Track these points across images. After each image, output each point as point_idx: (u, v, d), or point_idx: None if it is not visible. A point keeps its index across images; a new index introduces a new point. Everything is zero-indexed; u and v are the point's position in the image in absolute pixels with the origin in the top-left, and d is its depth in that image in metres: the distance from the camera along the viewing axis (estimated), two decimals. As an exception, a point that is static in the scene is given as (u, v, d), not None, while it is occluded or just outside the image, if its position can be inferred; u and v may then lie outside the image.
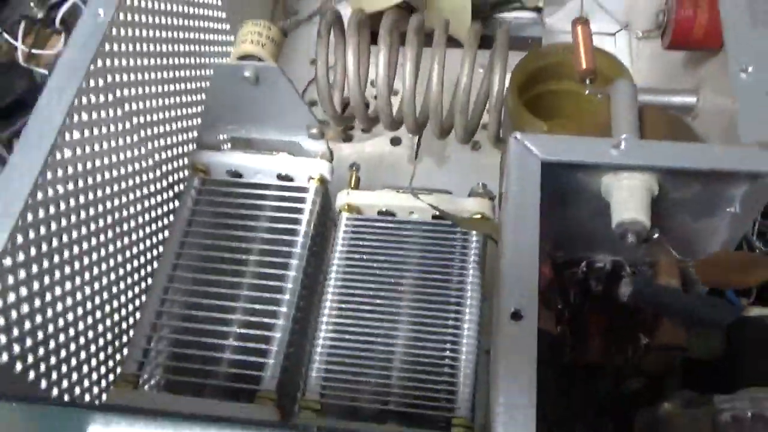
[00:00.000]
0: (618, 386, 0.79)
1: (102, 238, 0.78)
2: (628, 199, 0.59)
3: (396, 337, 0.80)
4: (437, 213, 0.86)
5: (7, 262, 0.63)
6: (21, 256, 0.65)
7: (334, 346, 0.80)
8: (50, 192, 0.68)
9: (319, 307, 0.84)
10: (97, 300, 0.77)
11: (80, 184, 0.73)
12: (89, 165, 0.75)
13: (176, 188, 0.95)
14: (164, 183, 0.92)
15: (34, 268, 0.67)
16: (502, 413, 0.46)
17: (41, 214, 0.67)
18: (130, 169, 0.83)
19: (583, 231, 0.70)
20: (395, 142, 1.19)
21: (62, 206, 0.71)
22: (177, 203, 0.94)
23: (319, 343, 0.80)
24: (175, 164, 0.94)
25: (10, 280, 0.63)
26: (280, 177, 0.92)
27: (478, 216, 0.85)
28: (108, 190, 0.78)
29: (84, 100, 0.73)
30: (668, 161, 0.57)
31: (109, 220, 0.79)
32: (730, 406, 0.55)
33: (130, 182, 0.83)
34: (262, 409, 0.75)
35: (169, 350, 0.82)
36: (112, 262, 0.80)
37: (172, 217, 0.92)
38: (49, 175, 0.68)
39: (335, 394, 0.77)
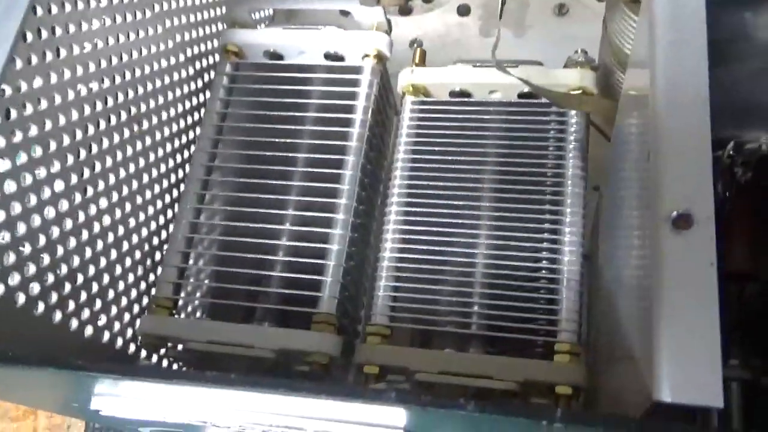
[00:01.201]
0: (762, 299, 0.62)
1: (118, 138, 0.64)
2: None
3: (478, 245, 0.64)
4: (526, 90, 0.68)
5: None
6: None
7: (403, 258, 0.65)
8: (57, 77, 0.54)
9: (382, 212, 0.70)
10: (118, 213, 0.65)
11: (90, 67, 0.59)
12: (99, 45, 0.60)
13: (206, 76, 0.79)
14: (190, 70, 0.76)
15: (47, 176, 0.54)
16: (674, 361, 0.31)
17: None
18: (145, 52, 0.67)
19: (736, 101, 0.52)
20: (463, 11, 0.99)
21: (70, 95, 0.57)
22: (208, 94, 0.78)
23: (386, 256, 0.65)
24: (203, 47, 0.78)
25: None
26: (328, 56, 0.75)
27: (579, 91, 0.67)
28: (120, 78, 0.64)
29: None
30: None
31: (124, 116, 0.65)
32: None
33: (148, 69, 0.68)
34: (321, 337, 0.62)
35: (208, 269, 0.70)
36: (133, 168, 0.67)
37: (203, 112, 0.77)
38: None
39: (407, 316, 0.64)
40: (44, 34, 0.53)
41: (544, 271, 0.63)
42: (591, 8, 0.92)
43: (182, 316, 0.70)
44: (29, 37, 0.52)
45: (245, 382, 0.33)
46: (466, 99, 0.71)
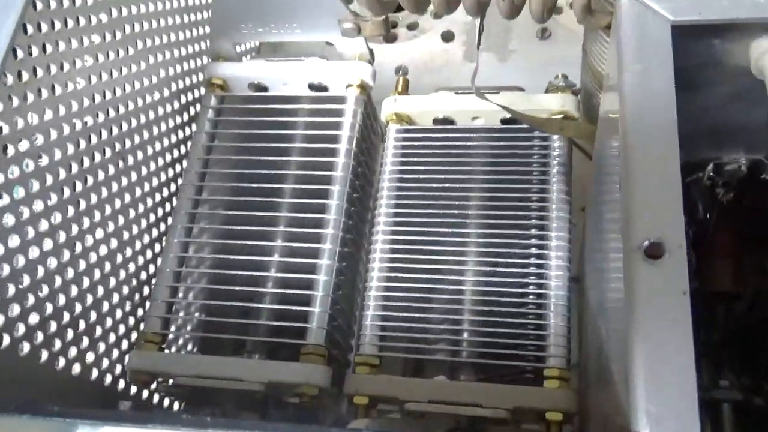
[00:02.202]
0: (749, 316, 0.62)
1: (102, 175, 0.64)
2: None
3: (465, 272, 0.65)
4: (508, 115, 0.68)
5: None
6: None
7: (391, 288, 0.65)
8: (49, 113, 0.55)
9: (369, 241, 0.70)
10: (104, 250, 0.65)
11: (73, 106, 0.59)
12: (81, 85, 0.60)
13: (191, 109, 0.80)
14: (176, 104, 0.77)
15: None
16: (647, 385, 0.31)
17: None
18: (129, 89, 0.68)
19: (712, 123, 0.53)
20: (447, 37, 1.00)
21: (53, 134, 0.57)
22: (193, 127, 0.79)
23: (372, 285, 0.65)
24: (187, 81, 0.79)
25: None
26: (312, 87, 0.76)
27: (560, 115, 0.68)
28: (104, 115, 0.64)
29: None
30: None
31: (109, 152, 0.65)
32: None
33: (132, 105, 0.69)
34: (310, 368, 0.61)
35: (197, 303, 0.70)
36: (118, 203, 0.67)
37: (189, 145, 0.78)
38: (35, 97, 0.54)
39: (396, 345, 0.64)
40: (25, 76, 0.54)
41: (531, 297, 0.63)
42: (573, 31, 0.93)
43: (172, 350, 0.70)
44: (9, 79, 0.52)
45: (217, 425, 0.33)
46: (449, 126, 0.72)
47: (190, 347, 0.74)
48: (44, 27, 0.56)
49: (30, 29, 0.54)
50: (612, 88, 0.48)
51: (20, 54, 0.53)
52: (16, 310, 0.53)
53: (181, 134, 0.78)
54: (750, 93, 0.47)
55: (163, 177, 0.75)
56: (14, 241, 0.53)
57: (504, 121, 0.70)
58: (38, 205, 0.56)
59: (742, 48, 0.44)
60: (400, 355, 0.63)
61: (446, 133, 0.71)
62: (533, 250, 0.64)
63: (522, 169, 0.67)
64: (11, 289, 0.53)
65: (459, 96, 0.72)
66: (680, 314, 0.33)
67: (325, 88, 0.76)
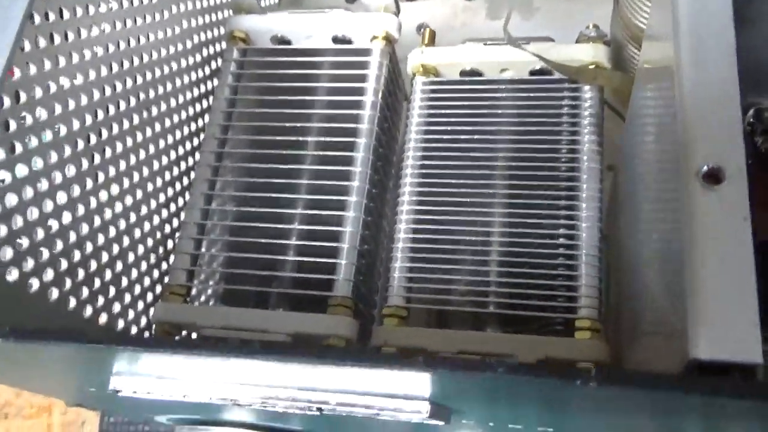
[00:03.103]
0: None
1: (127, 124, 0.63)
2: None
3: (493, 224, 0.64)
4: (539, 66, 0.67)
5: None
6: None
7: (418, 239, 0.64)
8: (66, 62, 0.54)
9: (395, 195, 0.69)
10: (129, 200, 0.64)
11: (98, 53, 0.58)
12: (106, 30, 0.59)
13: (213, 63, 0.78)
14: (198, 57, 0.76)
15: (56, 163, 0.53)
16: (711, 318, 0.30)
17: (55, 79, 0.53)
18: (152, 38, 0.67)
19: (756, 65, 0.51)
20: (470, -7, 0.98)
21: (79, 79, 0.56)
22: (215, 81, 0.78)
23: (400, 237, 0.65)
24: (209, 34, 0.78)
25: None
26: (336, 39, 0.74)
27: (593, 66, 0.66)
28: (128, 64, 0.63)
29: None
30: None
31: (133, 102, 0.64)
32: None
33: (155, 55, 0.67)
34: (337, 320, 0.61)
35: (221, 256, 0.69)
36: (143, 155, 0.66)
37: (211, 99, 0.77)
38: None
39: (423, 297, 0.63)
40: (51, 16, 0.53)
41: (561, 248, 0.62)
42: (600, -13, 0.91)
43: (196, 303, 0.70)
44: (37, 19, 0.51)
45: (265, 351, 0.33)
46: (477, 78, 0.70)
47: (214, 300, 0.73)
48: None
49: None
50: (655, 37, 0.47)
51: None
52: (45, 255, 0.53)
53: (203, 88, 0.77)
54: (799, 32, 0.45)
55: (186, 130, 0.74)
56: (43, 185, 0.53)
57: (533, 73, 0.69)
58: (66, 151, 0.55)
59: (794, -19, 0.42)
60: (428, 307, 0.63)
61: (474, 85, 0.69)
62: (563, 201, 0.63)
63: (552, 120, 0.66)
64: (40, 233, 0.52)
65: (487, 47, 0.70)
66: (742, 239, 0.32)
67: (349, 41, 0.74)
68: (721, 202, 0.33)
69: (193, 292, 0.69)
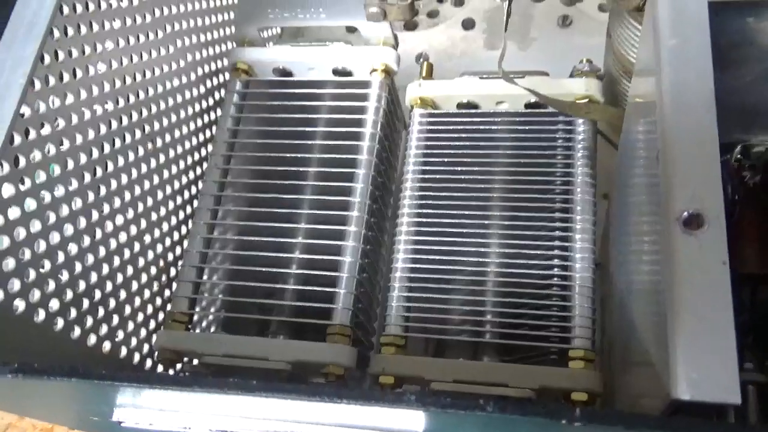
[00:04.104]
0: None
1: (133, 156, 0.65)
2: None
3: (489, 254, 0.65)
4: (532, 100, 0.69)
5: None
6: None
7: (416, 269, 0.66)
8: (74, 98, 0.55)
9: (393, 224, 0.70)
10: (133, 230, 0.65)
11: (105, 88, 0.60)
12: (114, 66, 0.61)
13: (217, 94, 0.80)
14: (202, 89, 0.78)
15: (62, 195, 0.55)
16: (690, 360, 0.31)
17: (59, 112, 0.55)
18: (158, 72, 0.69)
19: (741, 104, 0.53)
20: (467, 25, 1.00)
21: (86, 114, 0.58)
22: (219, 112, 0.80)
23: (398, 267, 0.66)
24: (213, 66, 0.80)
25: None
26: (336, 72, 0.76)
27: (586, 99, 0.68)
28: (134, 98, 0.65)
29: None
30: None
31: (139, 134, 0.66)
32: None
33: (161, 88, 0.69)
34: (336, 348, 0.62)
35: (223, 284, 0.71)
36: (147, 186, 0.68)
37: (214, 129, 0.79)
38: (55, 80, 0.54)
39: (420, 326, 0.64)
40: (61, 55, 0.55)
41: (556, 279, 0.63)
42: (595, 19, 0.94)
43: (198, 330, 0.71)
44: (47, 59, 0.53)
45: (264, 388, 0.34)
46: (473, 110, 0.72)
47: (216, 328, 0.75)
48: (79, 8, 0.56)
49: (66, 9, 0.55)
50: (643, 72, 0.49)
51: (56, 34, 0.54)
52: (51, 286, 0.54)
53: (207, 118, 0.79)
54: (781, 73, 0.47)
55: (190, 160, 0.76)
56: (50, 218, 0.54)
57: (528, 105, 0.71)
58: (73, 184, 0.57)
59: (775, 26, 0.44)
60: (426, 336, 0.64)
61: (471, 117, 0.71)
62: (557, 233, 0.64)
63: (546, 152, 0.68)
64: (47, 265, 0.54)
65: (483, 81, 0.72)
66: (720, 283, 0.33)
67: (349, 73, 0.76)
68: (701, 247, 0.34)
69: (195, 319, 0.70)
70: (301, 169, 0.72)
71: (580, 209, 0.65)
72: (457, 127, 0.71)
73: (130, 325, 0.65)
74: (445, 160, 0.70)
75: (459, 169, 0.69)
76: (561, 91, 0.68)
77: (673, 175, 0.35)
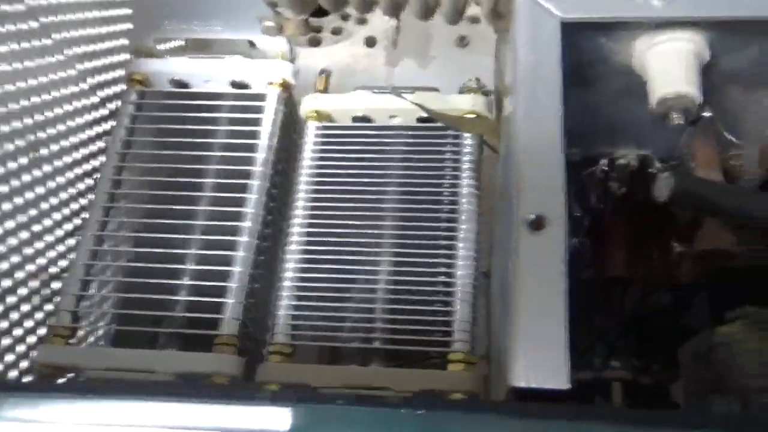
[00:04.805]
0: (642, 302, 0.66)
1: (14, 166, 0.63)
2: (672, 69, 0.45)
3: (379, 263, 0.66)
4: (424, 114, 0.71)
5: None
6: None
7: (306, 278, 0.66)
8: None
9: (287, 233, 0.71)
10: (14, 241, 0.63)
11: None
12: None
13: (111, 105, 0.79)
14: (94, 98, 0.76)
15: None
16: (525, 348, 0.33)
17: None
18: (43, 80, 0.67)
19: (605, 119, 0.57)
20: (370, 42, 1.02)
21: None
22: (113, 123, 0.78)
23: (288, 276, 0.66)
24: (107, 75, 0.79)
25: None
26: (234, 84, 0.77)
27: (472, 115, 0.71)
28: (14, 105, 0.63)
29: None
30: (727, 10, 0.43)
31: (21, 143, 0.64)
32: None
33: (47, 96, 0.68)
34: (221, 358, 0.62)
35: (112, 296, 0.69)
36: (31, 195, 0.66)
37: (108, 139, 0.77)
38: None
39: (309, 334, 0.65)
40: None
41: (440, 286, 0.65)
42: (489, 40, 0.97)
43: (84, 344, 0.69)
44: None
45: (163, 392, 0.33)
46: (367, 124, 0.74)
47: (105, 342, 0.73)
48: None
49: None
50: (508, 89, 0.51)
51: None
52: None
53: (100, 128, 0.77)
54: (636, 90, 0.51)
55: (80, 170, 0.74)
56: None
57: (420, 120, 0.73)
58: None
59: (626, 46, 0.48)
60: (312, 343, 0.64)
61: (364, 131, 0.73)
62: (443, 242, 0.66)
63: (435, 165, 0.70)
64: None
65: (377, 95, 0.74)
66: (557, 279, 0.35)
67: (246, 86, 0.77)
68: (542, 246, 0.36)
69: (81, 333, 0.68)
70: (195, 180, 0.71)
71: (464, 218, 0.67)
72: (351, 139, 0.72)
73: (6, 341, 0.63)
74: (339, 171, 0.71)
75: (351, 180, 0.70)
76: (449, 107, 0.71)
77: (522, 181, 0.38)
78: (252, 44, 0.89)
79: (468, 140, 0.70)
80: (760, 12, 0.43)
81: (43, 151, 0.68)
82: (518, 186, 0.38)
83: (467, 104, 0.71)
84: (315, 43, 1.05)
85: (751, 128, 0.55)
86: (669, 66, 0.46)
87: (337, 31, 1.04)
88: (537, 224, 0.37)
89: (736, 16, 0.44)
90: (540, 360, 0.33)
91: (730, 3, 0.43)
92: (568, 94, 0.47)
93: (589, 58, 0.49)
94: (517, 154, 0.39)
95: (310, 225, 0.68)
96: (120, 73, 0.81)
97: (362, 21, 1.03)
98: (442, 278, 0.65)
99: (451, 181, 0.69)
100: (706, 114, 0.48)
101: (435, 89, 0.75)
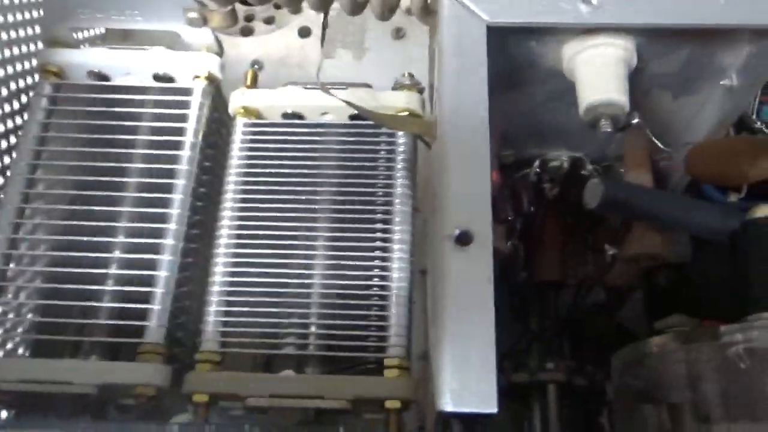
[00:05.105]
0: (576, 304, 0.67)
1: None
2: (600, 75, 0.45)
3: (312, 266, 0.65)
4: (356, 112, 0.69)
5: None
6: None
7: (235, 282, 0.64)
8: None
9: (215, 236, 0.68)
10: None
11: None
12: None
13: (22, 97, 0.74)
14: (3, 91, 0.71)
15: None
16: (453, 372, 0.32)
17: None
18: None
19: (536, 122, 0.56)
20: (304, 33, 1.00)
21: None
22: (25, 117, 0.74)
23: (216, 280, 0.64)
24: (17, 67, 0.74)
25: None
26: (157, 77, 0.73)
27: (405, 113, 0.69)
28: None
29: None
30: (654, 17, 0.43)
31: None
32: (743, 338, 0.43)
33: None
34: (146, 368, 0.59)
35: (30, 303, 0.65)
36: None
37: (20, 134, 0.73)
38: None
39: (240, 341, 0.63)
40: None
41: (375, 289, 0.64)
42: (426, 32, 0.96)
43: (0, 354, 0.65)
44: None
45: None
46: (298, 121, 0.71)
47: (23, 351, 0.69)
48: None
49: None
50: (435, 89, 0.50)
51: None
52: None
53: (10, 124, 0.72)
54: (566, 94, 0.50)
55: (-11, 169, 0.69)
56: None
57: (352, 117, 0.71)
58: None
59: (555, 50, 0.47)
60: (242, 351, 0.62)
61: (295, 128, 0.71)
62: (378, 243, 0.65)
63: (369, 164, 0.68)
64: None
65: (308, 91, 0.72)
66: (484, 299, 0.35)
67: (171, 79, 0.73)
68: (468, 263, 0.35)
69: (-1, 341, 0.64)
70: (117, 179, 0.68)
71: (399, 220, 0.66)
72: (281, 137, 0.70)
73: None
74: (268, 171, 0.68)
75: (282, 180, 0.68)
76: (382, 104, 0.69)
77: (447, 194, 0.37)
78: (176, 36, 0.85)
79: (402, 138, 0.69)
80: (686, 20, 0.43)
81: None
82: (443, 199, 0.37)
83: (400, 102, 0.70)
84: (247, 32, 1.01)
85: (680, 133, 0.55)
86: (597, 73, 0.45)
87: (269, 21, 1.01)
88: (463, 240, 0.36)
89: (662, 24, 0.43)
90: (468, 384, 0.32)
91: (657, 11, 0.43)
92: (498, 97, 0.47)
93: (518, 62, 0.48)
94: (442, 164, 0.38)
95: (239, 227, 0.66)
96: (32, 64, 0.76)
97: (296, 10, 1.00)
98: (376, 281, 0.64)
99: (385, 181, 0.67)
100: (635, 121, 0.48)
101: (368, 85, 0.73)
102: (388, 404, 0.57)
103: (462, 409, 0.31)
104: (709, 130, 0.54)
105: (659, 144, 0.52)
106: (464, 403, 0.32)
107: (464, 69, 0.41)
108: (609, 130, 0.45)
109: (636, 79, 0.48)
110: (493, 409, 0.32)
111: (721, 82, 0.49)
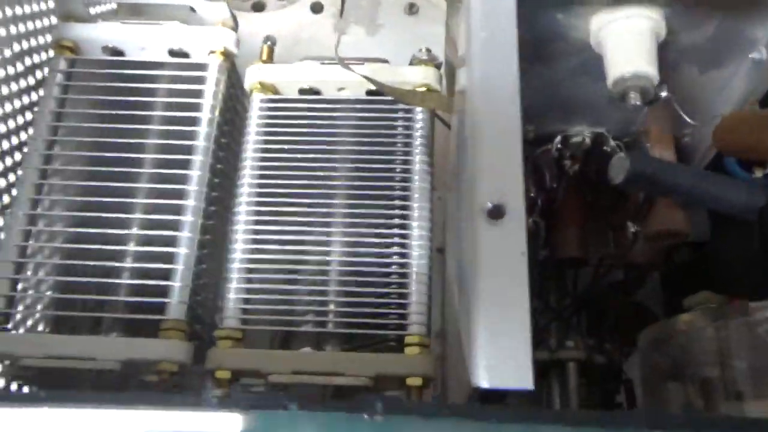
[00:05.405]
0: (595, 281, 0.67)
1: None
2: (629, 47, 0.44)
3: (330, 243, 0.64)
4: (373, 87, 0.68)
5: None
6: None
7: (255, 259, 0.64)
8: None
9: (233, 213, 0.68)
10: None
11: None
12: None
13: (38, 73, 0.74)
14: (18, 67, 0.71)
15: None
16: (488, 348, 0.32)
17: None
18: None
19: (559, 97, 0.56)
20: (316, 8, 0.99)
21: None
22: (41, 93, 0.73)
23: (236, 258, 0.64)
24: (33, 42, 0.73)
25: None
26: (172, 53, 0.72)
27: (423, 88, 0.69)
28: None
29: None
30: (685, -12, 0.42)
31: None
32: (774, 314, 0.43)
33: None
34: (169, 344, 0.59)
35: (50, 279, 0.65)
36: (-48, 173, 0.61)
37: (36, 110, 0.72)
38: None
39: (259, 318, 0.63)
40: None
41: (394, 266, 0.64)
42: (440, 8, 0.95)
43: (21, 330, 0.65)
44: None
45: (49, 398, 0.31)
46: (315, 96, 0.71)
47: (43, 327, 0.69)
48: None
49: None
50: (462, 62, 0.50)
51: None
52: None
53: (26, 99, 0.72)
54: (593, 67, 0.50)
55: (6, 145, 0.69)
56: None
57: (369, 93, 0.70)
58: None
59: (583, 22, 0.46)
60: (263, 328, 0.62)
61: (311, 104, 0.70)
62: (396, 221, 0.65)
63: (386, 140, 0.68)
64: None
65: (325, 66, 0.71)
66: (518, 273, 0.34)
67: (186, 55, 0.72)
68: (502, 237, 0.35)
69: (18, 318, 0.65)
70: (134, 156, 0.68)
71: (417, 197, 0.65)
72: (298, 113, 0.69)
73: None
74: (286, 147, 0.68)
75: (299, 156, 0.68)
76: (399, 79, 0.69)
77: (479, 167, 0.36)
78: (194, 11, 0.85)
79: (420, 114, 0.68)
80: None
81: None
82: (474, 173, 0.36)
83: (418, 77, 0.69)
84: (258, 8, 1.00)
85: (706, 108, 0.55)
86: (626, 45, 0.44)
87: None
88: (495, 213, 0.36)
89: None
90: (504, 360, 0.32)
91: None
92: (523, 70, 0.46)
93: (544, 35, 0.47)
94: (472, 137, 0.38)
95: (258, 204, 0.66)
96: (46, 39, 0.75)
97: (307, -15, 0.99)
98: (396, 258, 0.63)
99: (402, 158, 0.67)
100: (664, 94, 0.47)
101: (385, 61, 0.72)
102: (410, 381, 0.57)
103: (498, 386, 0.31)
104: (736, 104, 0.53)
105: (687, 118, 0.51)
106: (500, 379, 0.32)
107: (494, 40, 0.41)
108: (638, 103, 0.44)
109: (664, 52, 0.47)
110: (530, 385, 0.32)
111: (750, 55, 0.49)
